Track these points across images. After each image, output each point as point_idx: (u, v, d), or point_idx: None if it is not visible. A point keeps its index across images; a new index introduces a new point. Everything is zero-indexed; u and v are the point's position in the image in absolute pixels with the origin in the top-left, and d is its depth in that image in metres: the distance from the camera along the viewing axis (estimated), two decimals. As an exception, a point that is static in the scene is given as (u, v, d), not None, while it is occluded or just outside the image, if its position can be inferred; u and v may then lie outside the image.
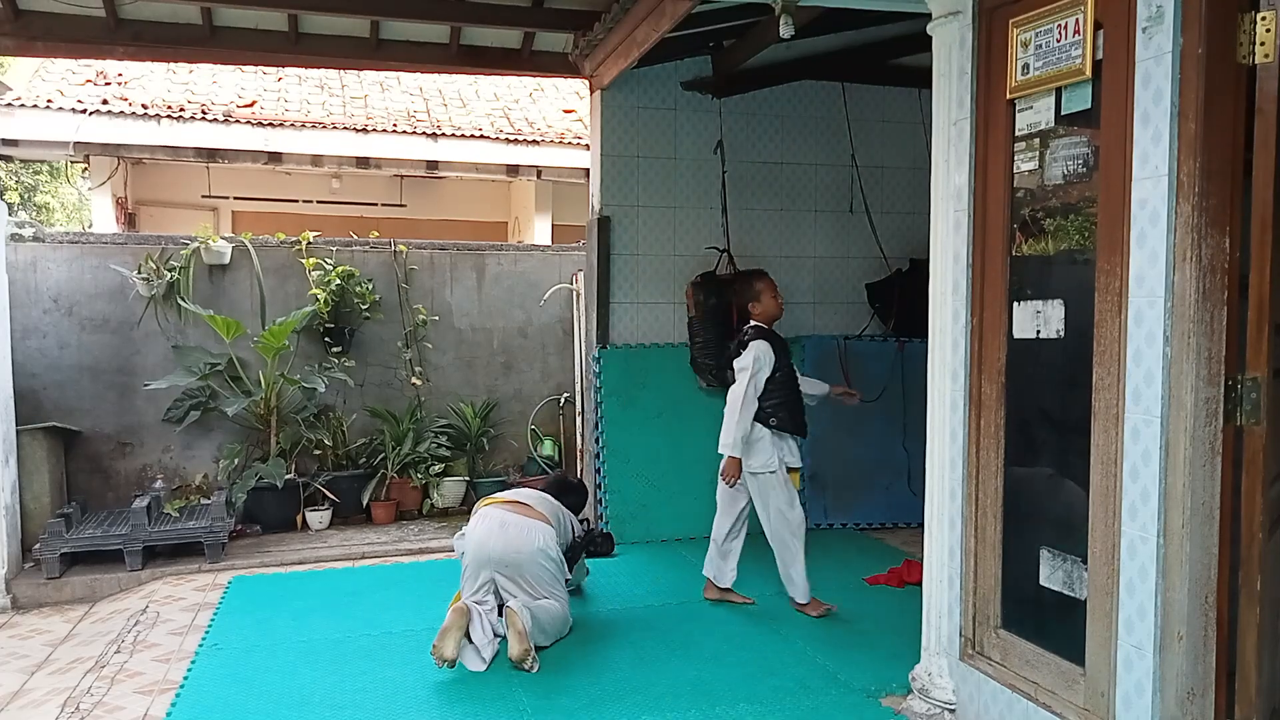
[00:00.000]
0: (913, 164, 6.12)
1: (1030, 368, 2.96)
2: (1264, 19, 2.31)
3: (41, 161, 12.66)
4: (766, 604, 4.55)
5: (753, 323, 4.49)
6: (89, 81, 8.63)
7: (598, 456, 5.79)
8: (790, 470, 4.42)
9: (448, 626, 3.73)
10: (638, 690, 3.57)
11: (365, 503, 6.35)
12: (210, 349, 6.25)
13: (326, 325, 6.49)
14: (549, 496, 4.45)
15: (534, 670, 3.72)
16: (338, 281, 6.48)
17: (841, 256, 6.19)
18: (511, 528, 4.02)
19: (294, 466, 6.24)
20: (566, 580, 4.22)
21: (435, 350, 6.95)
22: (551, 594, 4.00)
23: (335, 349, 6.51)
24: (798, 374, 4.57)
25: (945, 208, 3.21)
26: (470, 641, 3.80)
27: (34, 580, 5.19)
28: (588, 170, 6.25)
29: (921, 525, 3.40)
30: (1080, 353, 2.71)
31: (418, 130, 8.89)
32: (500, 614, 3.94)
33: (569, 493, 4.72)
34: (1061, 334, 2.82)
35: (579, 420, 6.82)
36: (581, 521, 4.68)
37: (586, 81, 5.96)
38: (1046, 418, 2.96)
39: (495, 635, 3.89)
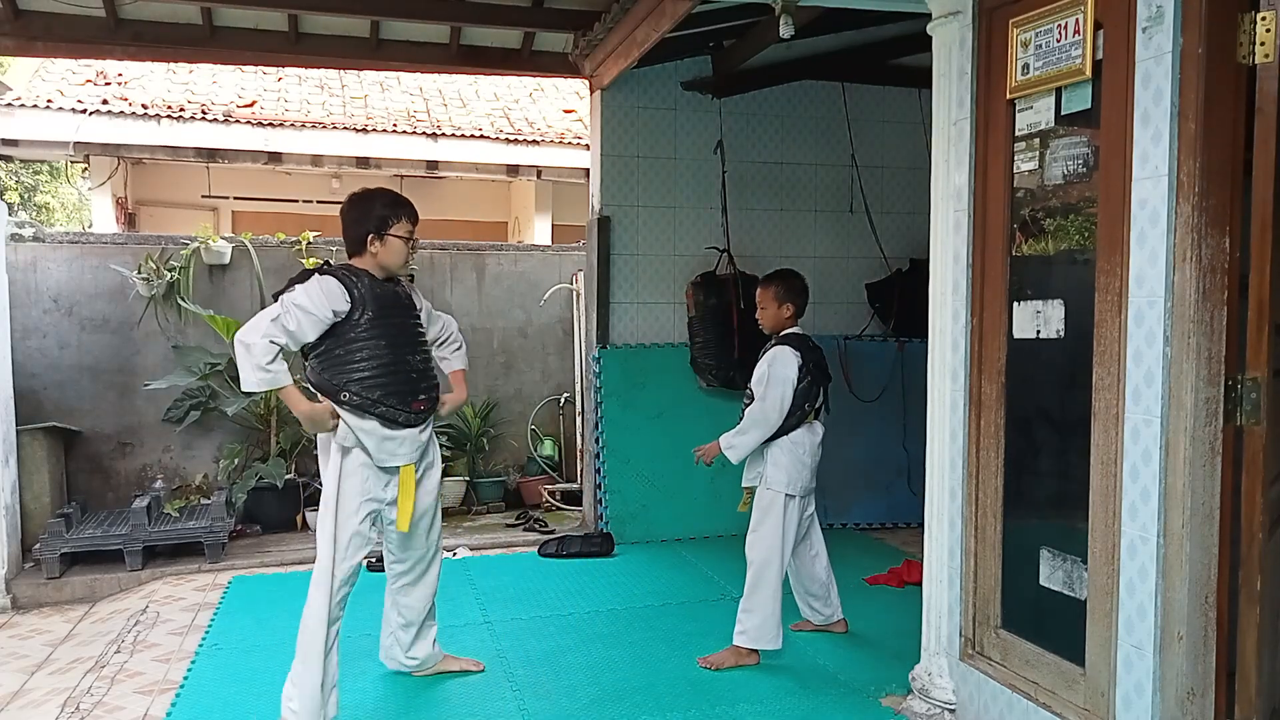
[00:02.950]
0: (913, 164, 6.11)
1: (1030, 368, 2.96)
2: (1264, 19, 2.30)
3: (41, 161, 12.65)
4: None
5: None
6: (89, 81, 8.63)
7: (598, 457, 5.79)
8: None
9: None
10: (638, 690, 3.57)
11: (365, 503, 6.34)
12: (210, 349, 6.25)
13: (326, 325, 6.48)
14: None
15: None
16: (338, 281, 6.46)
17: (841, 256, 6.19)
18: None
19: (294, 466, 6.24)
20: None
21: (435, 350, 6.94)
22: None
23: (335, 349, 6.50)
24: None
25: (945, 208, 3.21)
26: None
27: (34, 580, 5.19)
28: (588, 170, 6.25)
29: (921, 525, 3.40)
30: (1080, 353, 2.71)
31: (418, 130, 8.89)
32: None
33: (357, 206, 3.14)
34: (1061, 334, 2.82)
35: (579, 420, 6.82)
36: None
37: (586, 81, 5.96)
38: (1046, 418, 2.96)
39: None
